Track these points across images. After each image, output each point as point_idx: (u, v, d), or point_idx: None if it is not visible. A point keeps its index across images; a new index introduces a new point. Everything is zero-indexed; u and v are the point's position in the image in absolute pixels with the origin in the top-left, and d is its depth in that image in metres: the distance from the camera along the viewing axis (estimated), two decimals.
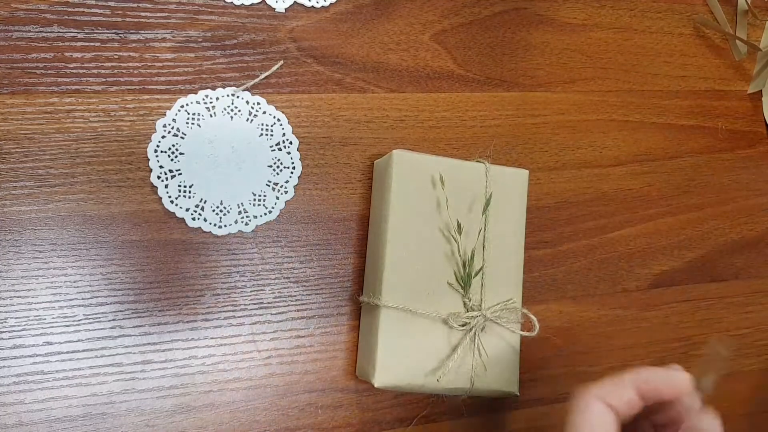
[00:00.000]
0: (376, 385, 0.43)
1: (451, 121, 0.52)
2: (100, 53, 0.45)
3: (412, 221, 0.44)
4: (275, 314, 0.46)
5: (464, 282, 0.45)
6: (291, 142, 0.48)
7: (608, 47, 0.57)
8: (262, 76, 0.48)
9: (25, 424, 0.42)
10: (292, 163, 0.48)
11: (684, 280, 0.57)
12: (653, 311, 0.55)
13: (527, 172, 0.48)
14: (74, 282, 0.43)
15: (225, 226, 0.46)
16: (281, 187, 0.47)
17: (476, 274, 0.45)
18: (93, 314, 0.43)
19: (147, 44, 0.46)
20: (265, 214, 0.47)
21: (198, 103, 0.46)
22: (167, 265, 0.45)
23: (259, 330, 0.46)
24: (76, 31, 0.45)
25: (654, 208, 0.57)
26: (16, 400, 0.42)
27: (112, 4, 0.46)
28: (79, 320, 0.43)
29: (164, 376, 0.44)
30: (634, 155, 0.57)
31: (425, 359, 0.44)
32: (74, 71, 0.45)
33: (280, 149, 0.48)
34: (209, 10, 0.48)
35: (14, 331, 0.42)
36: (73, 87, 0.45)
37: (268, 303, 0.46)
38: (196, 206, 0.45)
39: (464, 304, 0.45)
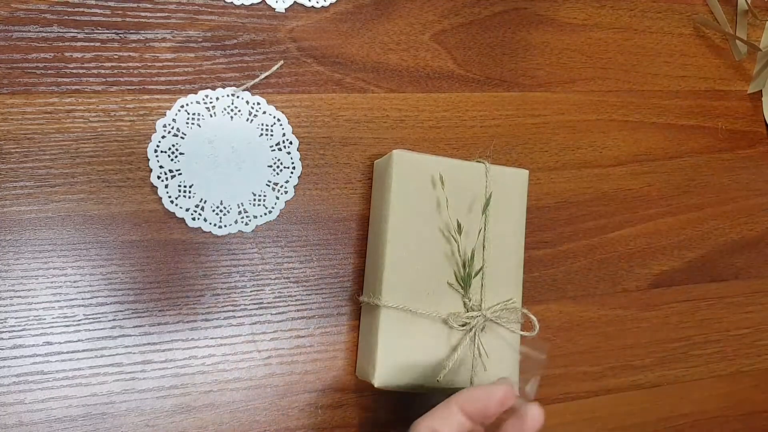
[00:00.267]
0: (376, 385, 0.43)
1: (451, 121, 0.52)
2: (100, 53, 0.45)
3: (412, 221, 0.44)
4: (275, 314, 0.46)
5: (464, 282, 0.45)
6: (291, 142, 0.48)
7: (608, 47, 0.57)
8: (262, 76, 0.48)
9: (25, 424, 0.42)
10: (292, 163, 0.48)
11: (684, 280, 0.57)
12: (653, 311, 0.55)
13: (527, 172, 0.48)
14: (74, 282, 0.43)
15: (225, 226, 0.46)
16: (281, 187, 0.47)
17: (476, 274, 0.45)
18: (93, 314, 0.43)
19: (147, 44, 0.46)
20: (265, 214, 0.47)
21: (198, 103, 0.46)
22: (167, 265, 0.45)
23: (259, 330, 0.46)
24: (76, 31, 0.45)
25: (654, 208, 0.57)
26: (16, 400, 0.42)
27: (112, 4, 0.46)
28: (79, 320, 0.43)
29: (164, 376, 0.44)
30: (634, 155, 0.57)
31: (425, 359, 0.44)
32: (74, 71, 0.45)
33: (280, 149, 0.48)
34: (209, 10, 0.48)
35: (14, 331, 0.42)
36: (73, 87, 0.45)
37: (268, 303, 0.46)
38: (196, 206, 0.45)
39: (464, 304, 0.45)
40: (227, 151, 0.46)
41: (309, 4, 0.49)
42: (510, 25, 0.55)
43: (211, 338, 0.45)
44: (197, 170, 0.46)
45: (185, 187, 0.45)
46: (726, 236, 0.58)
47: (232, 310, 0.46)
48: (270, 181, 0.47)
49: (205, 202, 0.46)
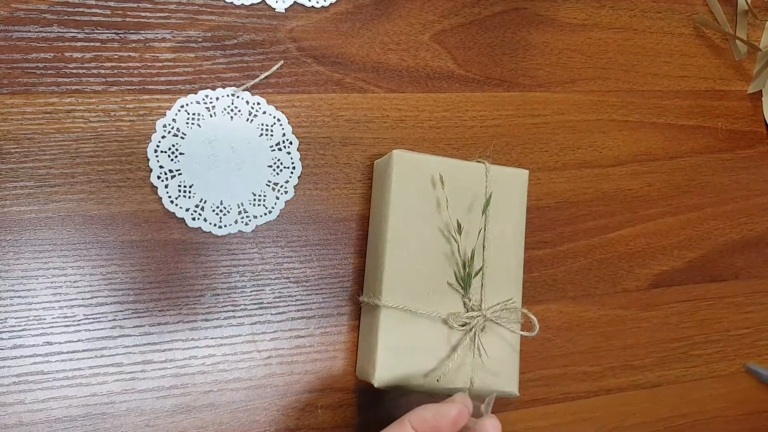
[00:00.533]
0: (376, 385, 0.43)
1: (451, 121, 0.52)
2: (100, 53, 0.45)
3: (412, 221, 0.44)
4: (275, 314, 0.46)
5: (464, 282, 0.45)
6: (291, 142, 0.48)
7: (608, 47, 0.57)
8: (262, 76, 0.48)
9: (25, 424, 0.42)
10: (292, 163, 0.48)
11: (684, 280, 0.57)
12: (653, 311, 0.55)
13: (527, 172, 0.48)
14: (74, 282, 0.43)
15: (225, 226, 0.46)
16: (281, 187, 0.47)
17: (476, 274, 0.45)
18: (93, 314, 0.43)
19: (147, 44, 0.46)
20: (265, 214, 0.47)
21: (198, 103, 0.46)
22: (167, 265, 0.45)
23: (259, 330, 0.46)
24: (76, 31, 0.45)
25: (654, 208, 0.57)
26: (16, 400, 0.42)
27: (112, 4, 0.46)
28: (79, 320, 0.43)
29: (164, 376, 0.44)
30: (634, 155, 0.57)
31: (425, 359, 0.44)
32: (74, 71, 0.45)
33: (280, 149, 0.48)
34: (209, 10, 0.48)
35: (14, 331, 0.42)
36: (73, 87, 0.45)
37: (268, 303, 0.46)
38: (196, 206, 0.45)
39: (464, 304, 0.45)
40: (227, 151, 0.46)
41: (309, 4, 0.49)
42: (510, 25, 0.55)
43: (211, 338, 0.45)
44: (197, 170, 0.46)
45: (185, 187, 0.45)
46: (726, 236, 0.58)
47: (232, 310, 0.46)
48: (270, 181, 0.47)
49: (205, 202, 0.46)
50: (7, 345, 0.42)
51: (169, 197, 0.45)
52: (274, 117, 0.48)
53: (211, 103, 0.47)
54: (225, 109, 0.47)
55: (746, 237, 0.59)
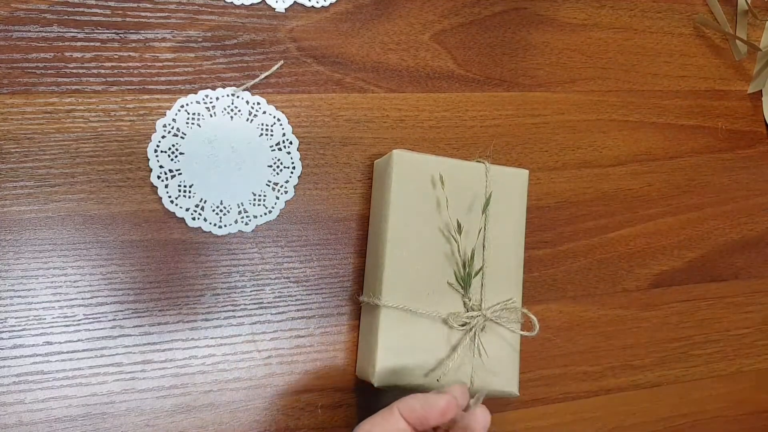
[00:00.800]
0: (376, 385, 0.43)
1: (451, 121, 0.52)
2: (100, 53, 0.45)
3: (412, 221, 0.44)
4: (275, 314, 0.46)
5: (464, 282, 0.45)
6: (291, 142, 0.48)
7: (608, 47, 0.57)
8: (262, 76, 0.48)
9: (25, 423, 0.42)
10: (292, 163, 0.48)
11: (684, 280, 0.57)
12: (653, 311, 0.55)
13: (527, 172, 0.48)
14: (74, 282, 0.43)
15: (225, 226, 0.46)
16: (281, 187, 0.47)
17: (476, 274, 0.45)
18: (93, 314, 0.43)
19: (147, 44, 0.46)
20: (265, 214, 0.47)
21: (198, 103, 0.46)
22: (167, 265, 0.45)
23: (259, 330, 0.46)
24: (76, 31, 0.45)
25: (654, 208, 0.57)
26: (16, 399, 0.42)
27: (112, 4, 0.46)
28: (79, 320, 0.43)
29: (164, 376, 0.44)
30: (634, 155, 0.57)
31: (425, 359, 0.44)
32: (74, 71, 0.45)
33: (280, 149, 0.48)
34: (209, 10, 0.48)
35: (14, 331, 0.42)
36: (73, 87, 0.45)
37: (268, 303, 0.46)
38: (196, 206, 0.45)
39: (464, 304, 0.45)
40: (227, 151, 0.46)
41: (309, 4, 0.49)
42: (510, 25, 0.55)
43: (211, 338, 0.45)
44: (197, 170, 0.46)
45: (185, 187, 0.45)
46: (726, 236, 0.58)
47: (232, 310, 0.46)
48: (270, 181, 0.47)
49: (205, 202, 0.46)
50: (7, 345, 0.42)
51: (169, 197, 0.45)
52: (274, 117, 0.48)
53: (211, 103, 0.47)
54: (225, 109, 0.47)
55: (746, 237, 0.59)
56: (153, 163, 0.45)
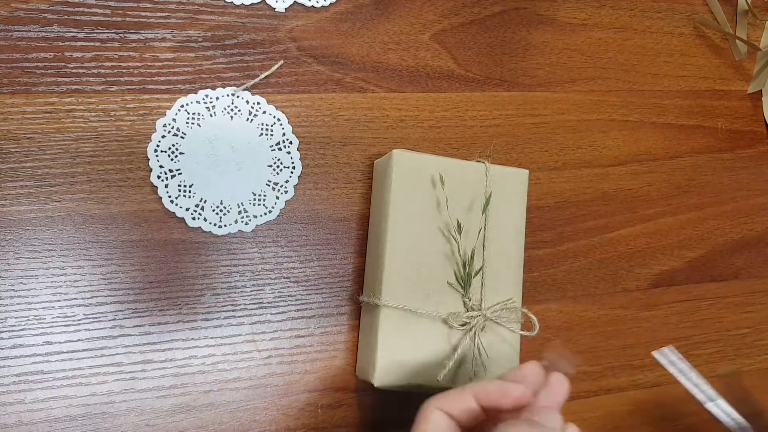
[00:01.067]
0: (376, 385, 0.43)
1: (451, 121, 0.52)
2: (100, 53, 0.45)
3: (412, 221, 0.44)
4: (275, 314, 0.46)
5: (464, 282, 0.45)
6: (291, 142, 0.48)
7: (608, 47, 0.57)
8: (262, 75, 0.48)
9: (25, 423, 0.42)
10: (292, 162, 0.48)
11: (684, 280, 0.57)
12: (653, 311, 0.55)
13: (527, 172, 0.48)
14: (74, 282, 0.43)
15: (225, 225, 0.46)
16: (281, 186, 0.47)
17: (476, 274, 0.45)
18: (93, 314, 0.43)
19: (147, 44, 0.46)
20: (265, 213, 0.47)
21: (198, 102, 0.46)
22: (167, 265, 0.45)
23: (259, 330, 0.46)
24: (76, 30, 0.45)
25: (654, 208, 0.57)
26: (16, 399, 0.42)
27: (112, 4, 0.46)
28: (79, 320, 0.43)
29: (164, 376, 0.44)
30: (634, 155, 0.57)
31: (425, 359, 0.44)
32: (74, 71, 0.45)
33: (280, 149, 0.48)
34: (209, 10, 0.48)
35: (14, 330, 0.42)
36: (73, 87, 0.45)
37: (268, 303, 0.46)
38: (196, 206, 0.45)
39: (464, 303, 0.45)
40: (227, 151, 0.46)
41: (309, 4, 0.49)
42: (510, 25, 0.55)
43: (211, 338, 0.45)
44: (197, 170, 0.46)
45: (185, 186, 0.45)
46: (726, 236, 0.58)
47: (232, 310, 0.46)
48: (270, 181, 0.47)
49: (205, 201, 0.46)
50: (7, 344, 0.42)
51: (169, 197, 0.45)
52: (274, 117, 0.48)
53: (211, 102, 0.47)
54: (225, 109, 0.47)
55: (746, 237, 0.59)
56: (153, 163, 0.45)
